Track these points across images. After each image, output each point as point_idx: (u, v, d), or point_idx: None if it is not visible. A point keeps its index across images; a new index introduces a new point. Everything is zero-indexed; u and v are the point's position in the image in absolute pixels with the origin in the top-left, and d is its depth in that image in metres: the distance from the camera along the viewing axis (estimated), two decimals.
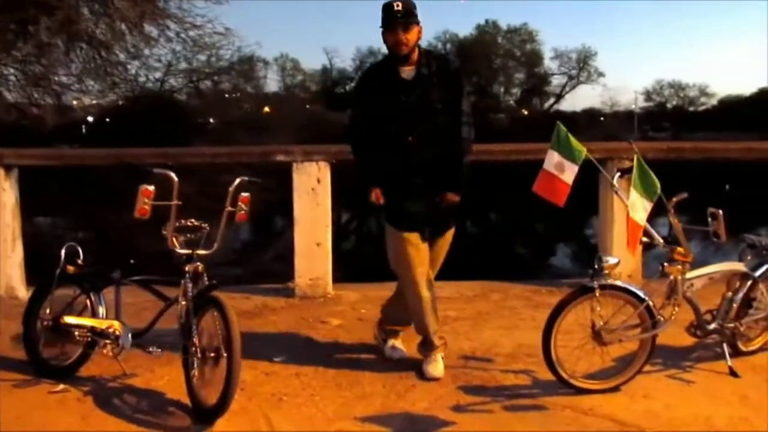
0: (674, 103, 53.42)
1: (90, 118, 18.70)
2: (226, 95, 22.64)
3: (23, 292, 5.34)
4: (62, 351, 3.60)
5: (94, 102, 12.85)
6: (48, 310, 3.60)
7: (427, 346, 3.61)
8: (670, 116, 51.73)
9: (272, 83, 42.44)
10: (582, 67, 45.65)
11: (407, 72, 3.46)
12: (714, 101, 51.99)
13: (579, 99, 78.88)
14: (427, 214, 3.52)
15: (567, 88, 46.11)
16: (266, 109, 38.04)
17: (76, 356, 3.56)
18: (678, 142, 6.18)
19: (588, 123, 40.30)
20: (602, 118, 47.46)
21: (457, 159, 3.49)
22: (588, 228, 20.15)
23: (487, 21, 45.52)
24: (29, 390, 3.40)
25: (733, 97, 51.17)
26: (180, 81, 14.88)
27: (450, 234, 3.68)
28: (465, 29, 54.28)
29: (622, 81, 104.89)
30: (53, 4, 7.72)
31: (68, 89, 10.36)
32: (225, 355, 2.91)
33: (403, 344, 3.83)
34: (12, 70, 9.98)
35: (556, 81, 46.30)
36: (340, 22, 69.47)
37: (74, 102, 11.52)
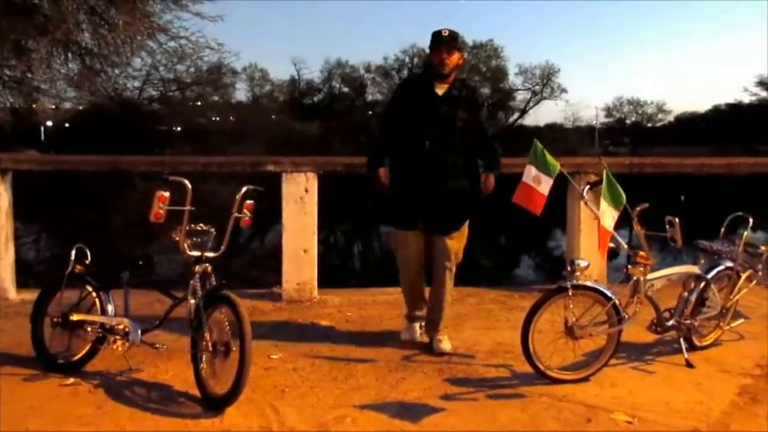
0: (633, 119, 54.94)
1: (49, 123, 18.47)
2: (193, 103, 22.60)
3: (14, 294, 5.51)
4: (70, 347, 3.80)
5: (68, 107, 12.91)
6: (57, 308, 3.82)
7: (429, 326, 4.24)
8: (629, 132, 53.23)
9: (240, 93, 42.35)
10: (545, 83, 46.61)
11: (442, 89, 4.03)
12: (671, 117, 53.70)
13: (542, 114, 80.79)
14: (433, 217, 4.07)
15: (531, 104, 47.00)
16: (231, 118, 37.98)
17: (85, 352, 3.77)
18: (639, 158, 6.63)
19: (551, 138, 41.20)
20: (564, 133, 48.47)
21: (492, 162, 4.14)
22: (551, 240, 20.69)
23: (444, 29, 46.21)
24: (39, 384, 3.60)
25: (689, 113, 52.96)
26: (159, 90, 15.01)
27: (460, 233, 4.16)
28: None
29: (584, 97, 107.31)
30: (52, 25, 7.86)
31: (46, 95, 10.42)
32: (237, 347, 3.16)
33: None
34: None
35: (521, 96, 47.16)
36: (309, 34, 69.71)
37: (51, 107, 11.50)
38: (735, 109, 47.09)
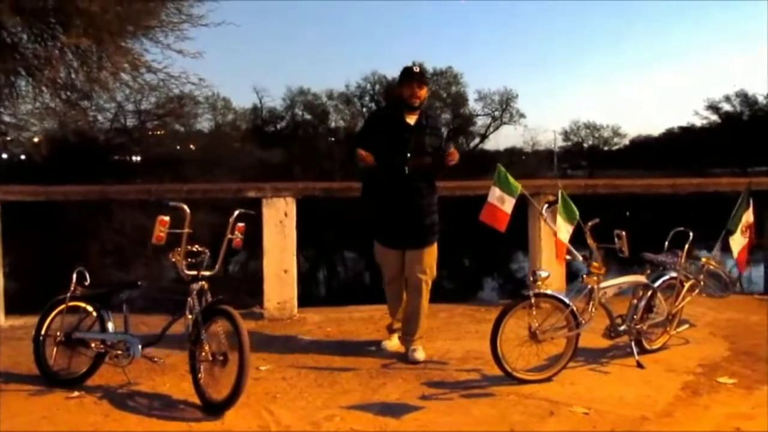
0: (590, 142, 56.47)
1: (4, 156, 18.29)
2: (154, 133, 22.62)
3: (2, 320, 5.70)
4: (72, 364, 4.07)
5: (36, 139, 12.97)
6: (58, 327, 4.09)
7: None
8: (586, 155, 54.68)
9: (205, 122, 42.39)
10: (504, 108, 47.69)
11: (412, 119, 4.48)
12: (626, 141, 55.37)
13: (502, 138, 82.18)
14: (409, 234, 4.47)
15: (491, 129, 47.97)
16: (191, 146, 37.97)
17: (87, 368, 4.03)
18: (593, 180, 7.16)
19: (510, 161, 42.16)
20: (524, 157, 49.52)
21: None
22: (513, 262, 21.21)
23: (413, 63, 47.05)
24: (46, 397, 3.85)
25: (644, 137, 54.73)
26: (120, 121, 15.16)
27: (433, 248, 4.55)
28: (393, 71, 55.94)
29: (542, 121, 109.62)
30: (37, 66, 8.10)
31: (18, 129, 10.54)
32: (234, 356, 3.48)
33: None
34: None
35: (480, 122, 48.13)
36: (271, 62, 70.19)
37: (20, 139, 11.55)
38: (687, 132, 48.88)
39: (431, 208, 4.53)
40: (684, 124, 50.32)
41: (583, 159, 54.90)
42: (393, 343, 4.73)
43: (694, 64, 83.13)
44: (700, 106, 56.61)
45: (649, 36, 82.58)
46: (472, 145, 47.62)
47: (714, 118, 46.95)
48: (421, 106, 4.51)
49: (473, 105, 47.78)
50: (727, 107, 45.83)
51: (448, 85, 47.10)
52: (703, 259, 4.88)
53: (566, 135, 56.01)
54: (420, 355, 4.48)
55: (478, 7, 73.98)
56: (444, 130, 4.68)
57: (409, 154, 4.41)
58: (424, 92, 4.48)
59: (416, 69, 4.45)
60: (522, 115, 47.74)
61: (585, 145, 56.74)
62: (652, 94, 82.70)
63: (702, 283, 4.87)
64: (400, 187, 4.44)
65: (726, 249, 5.06)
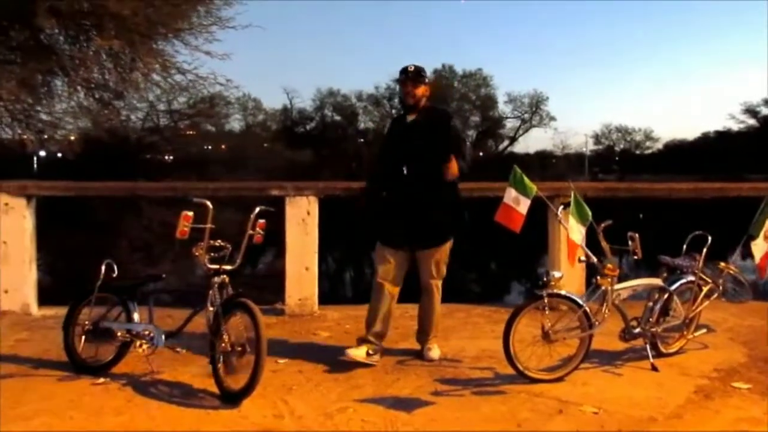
0: (622, 146, 55.88)
1: (42, 153, 18.73)
2: (185, 133, 22.98)
3: (36, 310, 5.92)
4: (98, 352, 4.24)
5: (72, 137, 13.34)
6: (86, 317, 4.26)
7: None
8: (618, 159, 54.10)
9: (235, 122, 42.99)
10: (534, 111, 47.57)
11: (411, 119, 4.51)
12: (659, 145, 54.64)
13: (532, 141, 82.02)
14: (414, 234, 4.43)
15: (520, 131, 47.91)
16: (222, 146, 38.52)
17: (113, 356, 4.20)
18: (614, 183, 7.16)
19: (540, 165, 41.92)
20: (554, 161, 49.23)
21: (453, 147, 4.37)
22: (541, 266, 21.09)
23: (443, 66, 47.11)
24: (73, 383, 4.02)
25: (678, 141, 53.92)
26: (153, 120, 15.50)
27: (444, 248, 4.51)
28: None
29: (572, 124, 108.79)
30: (73, 67, 8.38)
31: (53, 128, 10.85)
32: (254, 347, 3.60)
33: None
34: None
35: (510, 124, 48.09)
36: (301, 63, 70.78)
37: (49, 137, 11.87)
38: (723, 136, 48.01)
39: (439, 207, 4.42)
40: (720, 128, 49.43)
41: (614, 163, 54.34)
42: (358, 353, 4.39)
43: (731, 66, 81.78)
44: (736, 110, 55.56)
45: (684, 38, 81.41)
46: (501, 147, 47.50)
47: (752, 122, 46.12)
48: (422, 103, 4.50)
49: (503, 107, 47.77)
50: (766, 111, 44.97)
51: (478, 88, 47.09)
52: (722, 264, 4.87)
53: (597, 138, 55.64)
54: (435, 353, 4.56)
55: (510, 10, 73.67)
56: (450, 122, 4.50)
57: (406, 154, 4.41)
58: (420, 90, 4.47)
59: (410, 68, 4.46)
60: (552, 118, 47.62)
61: (616, 148, 56.19)
62: (688, 97, 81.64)
63: (720, 287, 4.86)
64: (400, 186, 4.44)
65: (748, 254, 5.04)
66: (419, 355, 4.60)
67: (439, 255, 4.50)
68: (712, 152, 44.87)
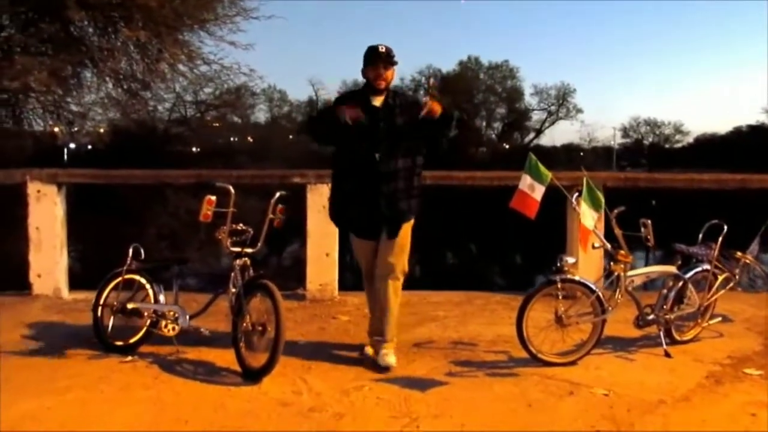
0: (650, 139, 55.13)
1: (72, 145, 19.10)
2: (212, 124, 23.21)
3: (67, 294, 6.14)
4: (126, 332, 4.41)
5: (102, 130, 13.66)
6: (114, 299, 4.44)
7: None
8: (646, 153, 53.37)
9: (261, 113, 43.30)
10: (561, 103, 47.21)
11: (378, 101, 4.16)
12: (689, 139, 53.74)
13: (558, 134, 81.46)
14: (381, 222, 4.17)
15: (546, 124, 47.59)
16: (249, 138, 38.80)
17: (140, 336, 4.37)
18: (633, 174, 7.17)
19: (567, 158, 41.60)
20: (581, 154, 48.75)
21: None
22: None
23: (469, 57, 46.95)
24: (102, 361, 4.20)
25: (709, 135, 52.95)
26: (180, 112, 15.76)
27: (404, 233, 4.21)
28: (448, 65, 55.87)
29: (600, 117, 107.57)
30: (102, 58, 8.62)
31: (83, 118, 11.14)
32: (273, 327, 3.75)
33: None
34: (30, 100, 10.79)
35: (536, 116, 47.78)
36: (326, 55, 71.03)
37: (75, 129, 12.16)
38: (756, 131, 46.97)
39: (409, 192, 4.17)
40: (753, 122, 48.41)
41: (643, 157, 53.64)
42: (392, 360, 4.18)
43: (765, 58, 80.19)
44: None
45: (716, 29, 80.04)
46: (527, 140, 47.22)
47: None
48: (388, 88, 4.18)
49: (529, 99, 47.42)
50: None
51: (504, 80, 46.82)
52: (738, 254, 4.90)
53: (625, 131, 54.94)
54: (390, 359, 4.12)
55: (537, 2, 73.03)
56: (418, 104, 4.16)
57: (380, 140, 4.09)
58: (390, 74, 4.13)
59: (382, 49, 4.08)
60: (579, 110, 47.22)
61: (645, 142, 55.47)
62: (719, 90, 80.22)
63: (737, 277, 4.89)
64: (372, 173, 4.09)
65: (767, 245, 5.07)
66: (374, 363, 4.18)
67: (400, 244, 4.20)
68: (744, 146, 43.92)
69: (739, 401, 3.62)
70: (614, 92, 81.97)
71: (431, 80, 4.27)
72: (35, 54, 8.86)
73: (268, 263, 17.90)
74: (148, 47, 8.93)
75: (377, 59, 4.09)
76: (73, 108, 10.83)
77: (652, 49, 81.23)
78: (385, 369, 4.07)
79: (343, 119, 4.00)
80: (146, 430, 3.22)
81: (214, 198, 3.98)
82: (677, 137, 54.46)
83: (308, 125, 4.65)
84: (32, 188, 5.97)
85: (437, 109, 4.00)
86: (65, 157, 20.32)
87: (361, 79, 4.27)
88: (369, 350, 4.35)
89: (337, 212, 4.40)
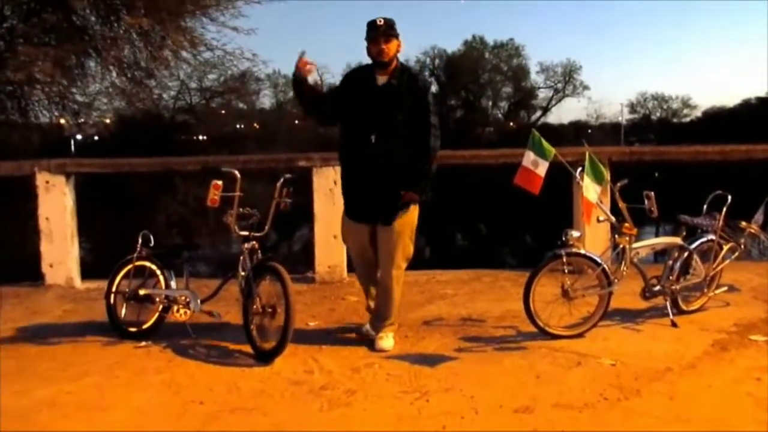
0: (658, 114, 54.67)
1: (79, 136, 19.17)
2: (218, 112, 23.19)
3: (79, 283, 6.22)
4: (139, 318, 4.48)
5: (108, 120, 13.71)
6: (127, 285, 4.50)
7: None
8: (655, 128, 52.93)
9: (266, 99, 43.20)
10: (567, 80, 46.69)
11: (381, 79, 4.03)
12: (698, 113, 53.18)
13: (565, 112, 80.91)
14: (377, 207, 4.07)
15: (553, 102, 47.11)
16: (255, 125, 38.73)
17: (152, 321, 4.44)
18: (638, 148, 7.17)
19: (575, 135, 41.33)
20: (589, 131, 48.39)
21: (421, 164, 3.98)
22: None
23: (474, 36, 46.48)
24: (117, 347, 4.28)
25: (717, 108, 52.38)
26: (185, 100, 15.78)
27: (407, 218, 4.07)
28: (453, 45, 55.45)
29: (606, 93, 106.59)
30: (105, 47, 8.63)
31: (88, 108, 11.18)
32: (283, 308, 3.80)
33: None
34: (35, 91, 10.83)
35: (543, 94, 47.26)
36: (332, 40, 70.69)
37: (93, 120, 12.22)
38: (765, 102, 46.41)
39: (409, 177, 4.00)
40: (762, 94, 47.81)
41: (651, 132, 53.19)
42: (388, 344, 4.15)
43: None
44: None
45: (721, 5, 79.04)
46: (533, 118, 46.94)
47: None
48: (394, 62, 4.02)
49: (535, 77, 46.88)
50: None
51: (509, 58, 46.39)
52: (743, 224, 4.91)
53: (633, 107, 54.38)
54: (387, 343, 4.08)
55: None
56: (428, 92, 4.12)
57: (375, 119, 3.98)
58: (393, 46, 3.97)
59: (380, 22, 3.93)
60: (586, 87, 46.64)
61: (653, 117, 55.00)
62: (726, 62, 79.34)
63: (742, 246, 4.91)
64: (366, 155, 4.00)
65: None
66: (371, 345, 4.15)
67: (404, 227, 4.08)
68: (753, 119, 43.48)
69: (744, 366, 3.66)
70: (621, 68, 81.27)
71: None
72: (38, 44, 8.89)
73: (278, 249, 18.03)
74: (151, 35, 8.94)
75: (376, 33, 3.96)
76: (79, 98, 10.86)
77: (659, 23, 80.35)
78: (380, 352, 4.04)
79: (296, 73, 3.99)
80: (162, 411, 3.29)
81: (220, 183, 4.02)
82: (685, 111, 53.88)
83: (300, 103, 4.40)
84: (41, 179, 6.03)
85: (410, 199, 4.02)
86: (72, 148, 20.41)
87: (364, 64, 4.25)
88: (368, 327, 4.28)
89: (343, 194, 4.36)
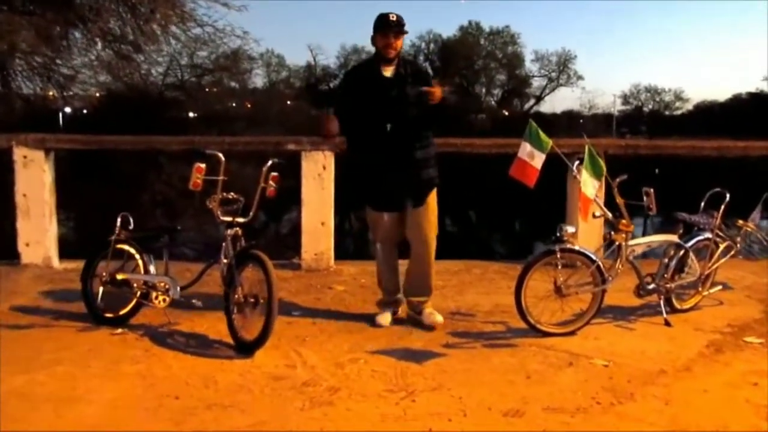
0: (651, 107, 54.70)
1: (68, 109, 18.88)
2: (209, 89, 22.91)
3: (57, 263, 6.03)
4: (116, 303, 4.31)
5: (97, 94, 13.42)
6: (104, 270, 4.33)
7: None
8: (647, 120, 52.98)
9: (257, 79, 42.79)
10: (562, 70, 46.65)
11: (389, 71, 4.17)
12: (689, 106, 53.30)
13: (558, 101, 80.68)
14: (406, 192, 4.21)
15: (547, 90, 47.10)
16: (247, 104, 38.38)
17: (130, 307, 4.27)
18: (635, 141, 7.05)
19: (567, 125, 41.27)
20: (581, 121, 48.39)
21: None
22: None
23: (470, 22, 46.31)
24: (93, 334, 4.12)
25: (709, 102, 52.51)
26: (177, 76, 15.51)
27: (431, 199, 4.28)
28: (448, 30, 55.12)
29: (600, 84, 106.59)
30: (90, 17, 8.36)
31: (72, 81, 10.90)
32: (266, 298, 3.65)
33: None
34: (18, 61, 10.52)
35: (537, 83, 47.24)
36: (325, 20, 70.04)
37: (78, 93, 11.94)
38: (756, 98, 46.52)
39: (427, 163, 4.22)
40: (753, 89, 47.88)
41: (643, 124, 53.23)
42: (387, 318, 4.37)
43: (765, 27, 79.22)
44: None
45: None
46: (527, 106, 46.83)
47: None
48: (398, 56, 4.19)
49: (529, 66, 46.87)
50: None
51: (504, 45, 46.24)
52: (740, 222, 4.81)
53: (626, 98, 54.43)
54: (438, 318, 4.29)
55: None
56: (430, 75, 4.37)
57: (390, 110, 4.11)
58: (400, 43, 4.15)
59: (393, 18, 4.07)
60: (580, 77, 46.75)
61: (645, 109, 55.02)
62: (720, 57, 79.37)
63: (738, 245, 4.81)
64: (385, 145, 4.14)
65: None
66: (417, 323, 4.31)
67: (432, 209, 4.28)
68: (744, 114, 43.54)
69: (741, 370, 3.56)
70: (616, 59, 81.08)
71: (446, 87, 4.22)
72: (21, 12, 8.61)
73: (266, 231, 17.83)
74: (139, 7, 8.68)
75: (388, 28, 4.09)
76: (64, 71, 10.61)
77: (654, 15, 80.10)
78: (431, 328, 4.21)
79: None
80: (135, 405, 3.14)
81: (203, 165, 3.86)
82: (677, 104, 54.00)
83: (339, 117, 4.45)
84: (18, 154, 5.82)
85: (437, 97, 4.06)
86: (60, 122, 20.08)
87: (359, 45, 4.26)
88: (381, 319, 4.34)
89: (358, 188, 4.36)
